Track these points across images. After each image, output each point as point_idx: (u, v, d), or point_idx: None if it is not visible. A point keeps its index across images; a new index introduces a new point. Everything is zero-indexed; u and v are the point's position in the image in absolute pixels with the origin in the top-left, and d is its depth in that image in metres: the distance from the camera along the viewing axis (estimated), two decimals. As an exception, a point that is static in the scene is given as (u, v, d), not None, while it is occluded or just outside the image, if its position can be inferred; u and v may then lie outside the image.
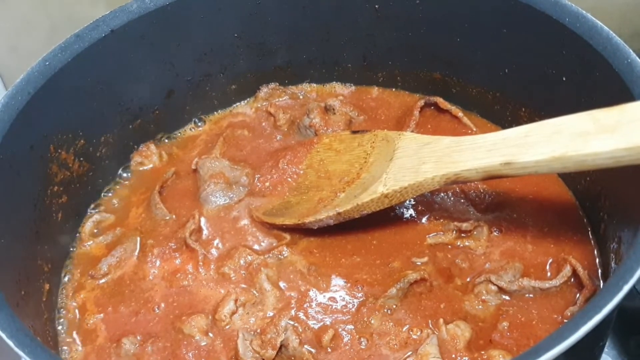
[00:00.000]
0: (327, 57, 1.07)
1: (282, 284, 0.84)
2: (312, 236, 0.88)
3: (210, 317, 0.81)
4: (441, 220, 0.88)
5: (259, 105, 1.08)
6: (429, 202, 0.90)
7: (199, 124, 1.07)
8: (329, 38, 1.04)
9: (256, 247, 0.89)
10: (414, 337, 0.76)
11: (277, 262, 0.86)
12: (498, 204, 0.89)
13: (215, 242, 0.90)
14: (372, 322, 0.78)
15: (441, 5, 0.94)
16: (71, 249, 0.91)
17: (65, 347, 0.81)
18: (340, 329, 0.78)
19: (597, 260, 0.82)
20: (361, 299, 0.81)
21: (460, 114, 1.00)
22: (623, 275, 0.59)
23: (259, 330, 0.78)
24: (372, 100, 1.08)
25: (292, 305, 0.81)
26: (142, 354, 0.78)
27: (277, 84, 1.09)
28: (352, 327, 0.79)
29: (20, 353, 0.61)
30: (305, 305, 0.81)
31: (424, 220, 0.88)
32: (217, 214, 0.93)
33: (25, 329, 0.64)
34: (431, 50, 1.01)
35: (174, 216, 0.93)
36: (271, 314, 0.81)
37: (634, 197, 0.73)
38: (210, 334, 0.80)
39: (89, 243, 0.92)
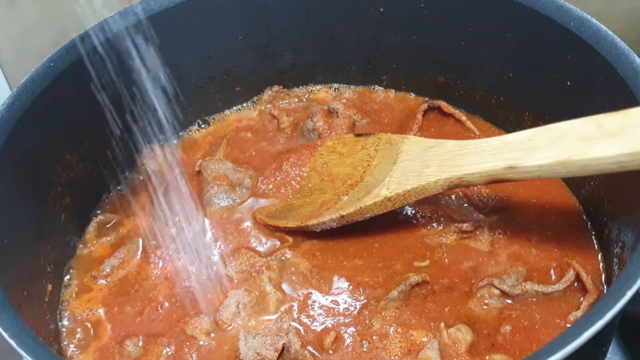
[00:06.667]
0: (331, 60, 1.07)
1: (284, 286, 0.84)
2: (314, 239, 0.88)
3: (212, 318, 0.81)
4: (443, 224, 0.88)
5: (263, 108, 1.08)
6: (432, 205, 0.90)
7: (203, 125, 1.07)
8: (333, 41, 1.05)
9: (259, 249, 0.89)
10: (416, 340, 0.76)
11: (279, 264, 0.86)
12: (501, 208, 0.89)
13: (218, 243, 0.90)
14: (374, 324, 0.78)
15: (445, 9, 0.94)
16: (74, 250, 0.91)
17: (67, 348, 0.82)
18: (342, 332, 0.78)
19: (601, 264, 0.82)
20: (363, 302, 0.81)
21: (463, 118, 1.00)
22: (626, 281, 0.59)
23: (261, 332, 0.78)
24: (376, 103, 1.08)
25: (294, 308, 0.81)
26: (145, 354, 0.79)
27: (281, 86, 1.09)
28: (354, 329, 0.78)
29: (22, 353, 0.61)
30: (307, 308, 0.81)
31: (426, 223, 0.88)
32: (220, 215, 0.93)
33: (27, 329, 0.64)
34: (435, 54, 1.01)
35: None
36: (273, 316, 0.81)
37: (638, 202, 0.73)
38: (213, 335, 0.80)
39: (92, 244, 0.92)
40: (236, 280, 0.85)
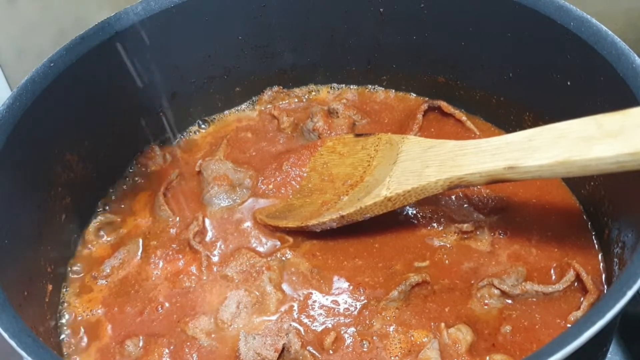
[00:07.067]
0: (331, 60, 1.07)
1: (284, 286, 0.84)
2: (314, 239, 0.88)
3: (212, 318, 0.81)
4: (444, 224, 0.88)
5: (263, 108, 1.08)
6: (432, 206, 0.90)
7: (203, 125, 1.07)
8: (333, 41, 1.05)
9: (259, 249, 0.89)
10: (416, 340, 0.76)
11: (279, 264, 0.86)
12: (501, 208, 0.89)
13: (219, 244, 0.90)
14: (374, 324, 0.78)
15: (445, 9, 0.94)
16: (75, 250, 0.91)
17: (67, 348, 0.81)
18: (342, 332, 0.78)
19: (601, 265, 0.82)
20: (363, 302, 0.81)
21: (463, 118, 1.00)
22: (626, 281, 0.59)
23: (261, 333, 0.78)
24: (376, 103, 1.08)
25: (295, 308, 0.81)
26: (145, 354, 0.79)
27: (281, 86, 1.09)
28: (354, 329, 0.78)
29: (23, 353, 0.61)
30: (307, 308, 0.81)
31: (426, 223, 0.88)
32: (220, 215, 0.93)
33: (27, 329, 0.64)
34: (435, 54, 1.01)
35: (177, 218, 0.93)
36: (273, 316, 0.81)
37: (638, 202, 0.73)
38: (213, 335, 0.80)
39: (92, 244, 0.92)
40: (236, 281, 0.85)
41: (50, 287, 0.84)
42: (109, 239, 0.92)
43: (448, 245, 0.86)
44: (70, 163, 0.89)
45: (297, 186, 0.95)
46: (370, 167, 0.88)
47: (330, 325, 0.79)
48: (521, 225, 0.87)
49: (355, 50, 1.05)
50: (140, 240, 0.91)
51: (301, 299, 0.82)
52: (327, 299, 0.82)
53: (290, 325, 0.79)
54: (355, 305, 0.81)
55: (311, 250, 0.87)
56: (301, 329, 0.79)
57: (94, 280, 0.88)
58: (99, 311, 0.84)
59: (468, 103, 1.02)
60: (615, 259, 0.78)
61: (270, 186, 0.96)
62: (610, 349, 0.87)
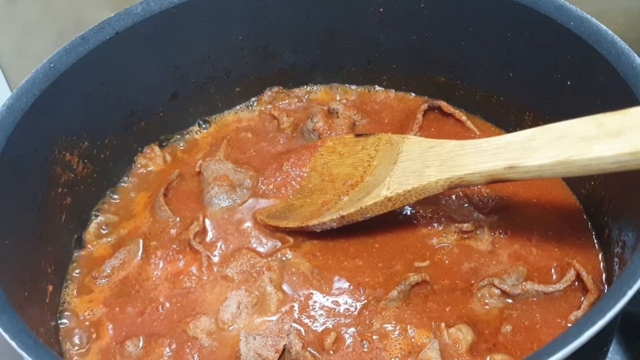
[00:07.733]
0: (331, 60, 1.07)
1: (285, 287, 0.84)
2: (315, 239, 0.88)
3: (213, 319, 0.81)
4: (444, 224, 0.88)
5: (263, 108, 1.08)
6: (432, 205, 0.90)
7: (203, 126, 1.07)
8: (333, 41, 1.05)
9: (259, 249, 0.89)
10: (417, 341, 0.76)
11: (280, 264, 0.86)
12: (502, 208, 0.89)
13: (219, 244, 0.90)
14: (374, 324, 0.78)
15: (445, 8, 0.94)
16: (75, 251, 0.91)
17: (68, 349, 0.81)
18: (342, 332, 0.78)
19: (602, 264, 0.82)
20: (363, 302, 0.81)
21: (463, 118, 1.00)
22: (627, 280, 0.59)
23: (261, 333, 0.78)
24: (376, 103, 1.08)
25: (295, 308, 0.81)
26: (146, 355, 0.79)
27: (281, 87, 1.09)
28: (354, 330, 0.79)
29: (23, 354, 0.61)
30: (307, 308, 0.81)
31: (426, 223, 0.88)
32: (220, 216, 0.93)
33: (28, 330, 0.64)
34: (435, 54, 1.01)
35: (178, 218, 0.93)
36: (274, 316, 0.81)
37: (638, 202, 0.73)
38: (214, 336, 0.80)
39: (92, 244, 0.92)
40: (237, 281, 0.85)
41: (50, 287, 0.84)
42: (109, 239, 0.92)
43: (448, 245, 0.86)
44: (70, 163, 0.89)
45: (298, 186, 0.95)
46: (370, 167, 0.88)
47: (330, 326, 0.79)
48: (521, 224, 0.87)
49: (355, 50, 1.05)
50: (141, 241, 0.91)
51: (302, 299, 0.82)
52: (327, 299, 0.82)
53: (291, 326, 0.79)
54: (356, 305, 0.81)
55: (311, 250, 0.87)
56: (302, 329, 0.79)
57: (95, 281, 0.88)
58: (100, 311, 0.84)
59: (468, 103, 1.02)
60: (616, 259, 0.78)
61: (271, 186, 0.96)
62: (611, 349, 0.87)
